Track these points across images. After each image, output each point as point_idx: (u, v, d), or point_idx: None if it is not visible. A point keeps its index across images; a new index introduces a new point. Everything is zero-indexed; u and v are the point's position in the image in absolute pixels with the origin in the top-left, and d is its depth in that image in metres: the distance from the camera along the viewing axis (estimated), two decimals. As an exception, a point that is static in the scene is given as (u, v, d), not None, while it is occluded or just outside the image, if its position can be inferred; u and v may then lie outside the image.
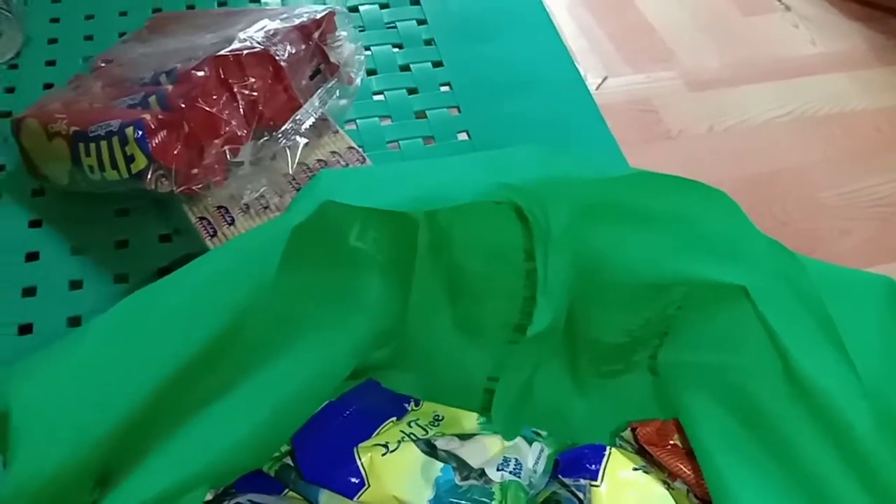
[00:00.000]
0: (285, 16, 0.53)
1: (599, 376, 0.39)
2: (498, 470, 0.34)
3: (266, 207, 0.49)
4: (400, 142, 0.64)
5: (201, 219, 0.48)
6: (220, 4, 0.73)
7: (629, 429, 0.38)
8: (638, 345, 0.36)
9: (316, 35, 0.51)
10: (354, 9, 0.74)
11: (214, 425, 0.29)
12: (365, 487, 0.32)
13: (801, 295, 0.28)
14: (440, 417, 0.38)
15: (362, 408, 0.36)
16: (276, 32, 0.49)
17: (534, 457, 0.36)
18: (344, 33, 0.54)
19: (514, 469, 0.35)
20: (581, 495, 0.33)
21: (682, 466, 0.35)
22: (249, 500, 0.33)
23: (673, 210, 0.33)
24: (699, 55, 1.48)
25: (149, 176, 0.45)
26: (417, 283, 0.40)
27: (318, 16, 0.52)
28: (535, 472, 0.36)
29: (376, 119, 0.65)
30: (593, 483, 0.33)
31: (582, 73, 0.75)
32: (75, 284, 0.53)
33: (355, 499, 0.32)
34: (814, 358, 0.27)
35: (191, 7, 0.72)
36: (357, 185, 0.32)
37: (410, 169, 0.36)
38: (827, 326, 0.27)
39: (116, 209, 0.57)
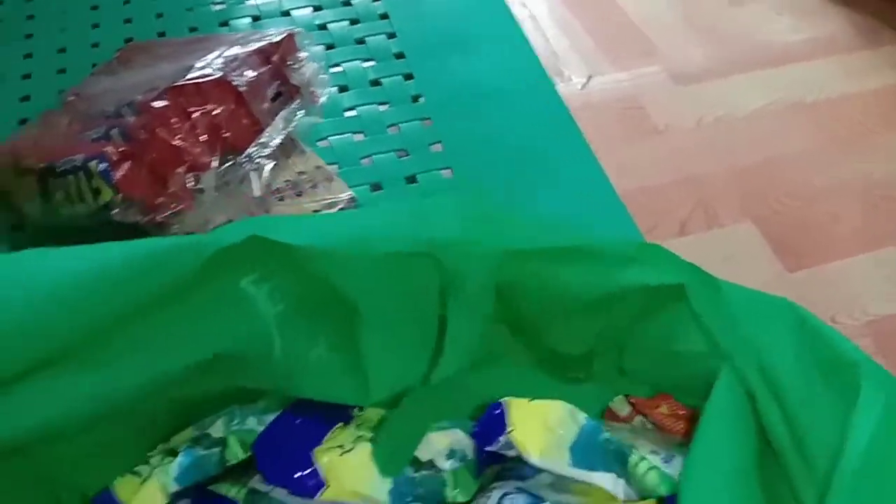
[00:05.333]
0: (245, 41, 0.53)
1: (564, 381, 0.40)
2: (447, 459, 0.36)
3: (235, 232, 0.49)
4: (373, 156, 0.64)
5: (171, 247, 0.49)
6: (192, 30, 0.74)
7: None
8: (595, 356, 0.39)
9: (275, 58, 0.52)
10: (323, 26, 0.75)
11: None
12: (324, 487, 0.34)
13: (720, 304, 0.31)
14: None
15: (311, 415, 0.37)
16: (234, 58, 0.50)
17: (475, 449, 0.37)
18: (304, 54, 0.54)
19: (461, 458, 0.37)
20: (511, 452, 0.35)
21: (669, 425, 0.39)
22: None
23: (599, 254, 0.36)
24: (683, 48, 1.48)
25: (116, 207, 0.46)
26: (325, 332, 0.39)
27: (277, 39, 0.52)
28: (475, 461, 0.37)
29: (349, 135, 0.65)
30: (509, 432, 0.35)
31: (566, 74, 0.75)
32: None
33: (316, 498, 0.34)
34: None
35: (161, 34, 0.73)
36: (283, 228, 0.33)
37: (340, 218, 0.37)
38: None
39: (93, 240, 0.57)
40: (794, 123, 1.40)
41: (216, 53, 0.50)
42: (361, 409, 0.40)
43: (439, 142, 0.66)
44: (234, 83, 0.49)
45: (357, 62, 0.72)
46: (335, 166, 0.63)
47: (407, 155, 0.65)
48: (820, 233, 1.24)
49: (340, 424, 0.38)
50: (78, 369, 0.32)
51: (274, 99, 0.51)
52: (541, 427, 0.36)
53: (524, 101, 0.69)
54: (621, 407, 0.41)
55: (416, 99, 0.69)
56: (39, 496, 0.37)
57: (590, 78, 1.32)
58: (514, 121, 0.68)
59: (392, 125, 0.67)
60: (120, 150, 0.46)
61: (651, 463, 0.33)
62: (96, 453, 0.37)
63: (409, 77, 0.71)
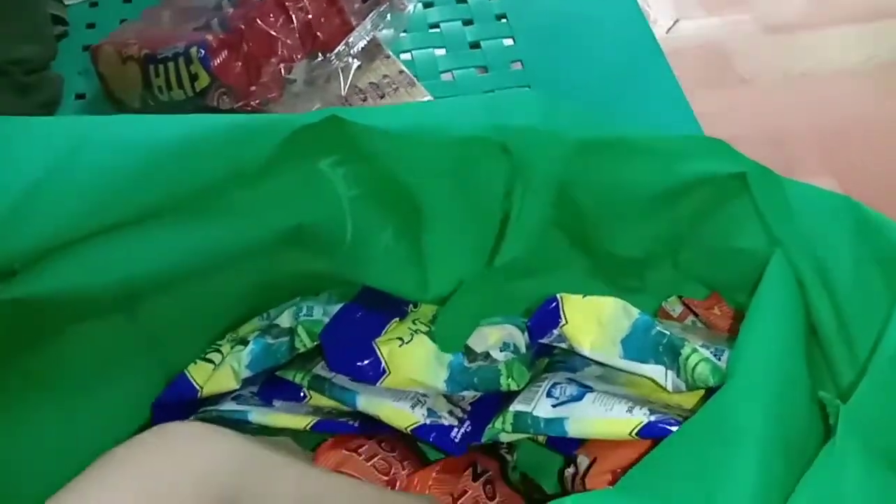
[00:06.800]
0: (340, -57, 0.55)
1: (617, 289, 0.41)
2: (501, 351, 0.38)
3: (319, 126, 0.51)
4: (454, 72, 0.65)
5: (259, 136, 0.51)
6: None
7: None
8: (651, 260, 0.39)
9: (368, -40, 0.53)
10: (413, -57, 0.75)
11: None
12: (386, 374, 0.36)
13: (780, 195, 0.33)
14: None
15: (370, 310, 0.39)
16: (329, -43, 0.51)
17: (526, 342, 0.39)
18: (397, -40, 0.55)
19: (514, 350, 0.38)
20: (563, 344, 0.37)
21: (721, 325, 0.40)
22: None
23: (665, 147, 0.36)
24: (776, -3, 1.44)
25: (211, 93, 0.49)
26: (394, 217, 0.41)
27: (371, -58, 0.54)
28: (527, 354, 0.39)
29: (431, 50, 0.67)
30: (562, 325, 0.37)
31: (653, 16, 0.74)
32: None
33: (378, 384, 0.36)
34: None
35: (257, -55, 0.75)
36: (360, 114, 0.35)
37: (415, 106, 0.38)
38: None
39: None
40: (887, 84, 1.34)
41: (312, -48, 0.52)
42: (416, 305, 0.42)
43: (520, 60, 0.66)
44: (329, -19, 0.50)
45: (444, -21, 0.73)
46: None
47: (486, 72, 0.66)
48: (904, 195, 1.20)
49: (397, 319, 0.40)
50: (175, 225, 0.35)
51: (365, 0, 0.53)
52: (593, 321, 0.37)
53: (613, 31, 0.69)
54: (674, 307, 0.42)
55: (500, 17, 0.70)
56: (142, 352, 0.40)
57: (676, 21, 1.29)
58: (600, 48, 0.67)
59: (474, 42, 0.68)
60: (219, 38, 0.48)
61: (702, 355, 0.34)
62: (187, 317, 0.40)
63: (494, -4, 0.71)
